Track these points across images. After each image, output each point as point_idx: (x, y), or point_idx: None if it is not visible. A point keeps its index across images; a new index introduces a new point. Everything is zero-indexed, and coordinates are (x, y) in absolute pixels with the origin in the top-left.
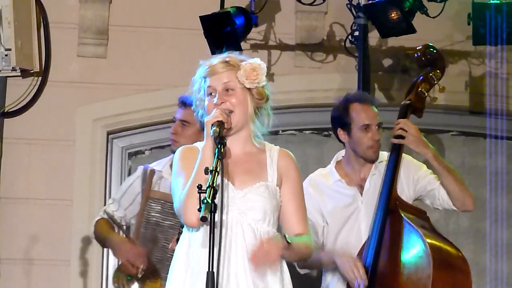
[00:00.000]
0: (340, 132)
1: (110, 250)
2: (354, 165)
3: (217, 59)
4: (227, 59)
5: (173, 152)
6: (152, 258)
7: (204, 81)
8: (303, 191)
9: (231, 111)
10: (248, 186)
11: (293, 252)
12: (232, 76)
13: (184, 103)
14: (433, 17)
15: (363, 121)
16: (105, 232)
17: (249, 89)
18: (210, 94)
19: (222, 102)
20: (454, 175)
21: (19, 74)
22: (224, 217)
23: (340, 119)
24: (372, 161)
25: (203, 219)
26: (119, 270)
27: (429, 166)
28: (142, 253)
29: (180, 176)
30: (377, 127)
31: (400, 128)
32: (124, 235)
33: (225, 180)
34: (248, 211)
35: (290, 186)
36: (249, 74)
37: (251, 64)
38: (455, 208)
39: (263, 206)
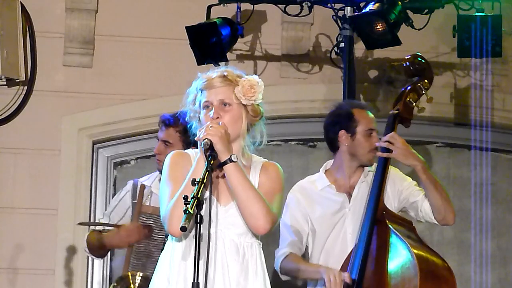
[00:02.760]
0: (343, 135)
1: (106, 258)
2: (346, 171)
3: (215, 73)
4: (225, 74)
5: (159, 170)
6: (147, 271)
7: (201, 94)
8: (278, 196)
9: (226, 127)
10: (231, 201)
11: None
12: (229, 92)
13: (166, 123)
14: (419, 29)
15: (368, 126)
16: (100, 239)
17: (245, 105)
18: (207, 107)
19: (218, 117)
20: (440, 190)
21: (5, 83)
22: (209, 231)
23: (344, 122)
24: (369, 165)
25: (183, 229)
26: (117, 282)
27: (417, 177)
28: (138, 228)
29: (167, 185)
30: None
31: (387, 141)
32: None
33: (212, 196)
34: (231, 226)
35: (264, 180)
36: (247, 91)
37: (249, 81)
38: (436, 222)
39: (243, 222)
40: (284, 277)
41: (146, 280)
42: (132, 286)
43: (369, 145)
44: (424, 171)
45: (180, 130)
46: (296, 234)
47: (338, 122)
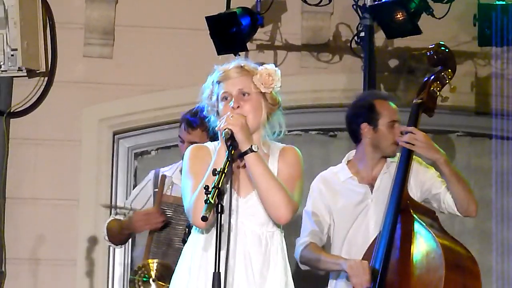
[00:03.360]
0: (365, 127)
1: (128, 246)
2: (368, 162)
3: (231, 64)
4: (242, 64)
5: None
6: (167, 260)
7: (218, 86)
8: (298, 183)
9: (246, 116)
10: (251, 192)
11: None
12: (247, 81)
13: (193, 126)
14: (439, 18)
15: (391, 117)
16: (119, 225)
17: (263, 94)
18: (225, 98)
19: (238, 106)
20: (462, 182)
21: (25, 74)
22: (230, 220)
23: (366, 114)
24: (392, 156)
25: (203, 218)
26: (135, 273)
27: (438, 170)
28: (158, 213)
29: (189, 178)
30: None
31: (409, 138)
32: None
33: (234, 191)
34: (251, 216)
35: (282, 166)
36: (265, 79)
37: (267, 69)
38: (458, 214)
39: (264, 212)
40: (303, 267)
41: (166, 268)
42: (152, 273)
43: (392, 137)
44: (446, 164)
45: (205, 128)
46: (317, 224)
47: (361, 114)
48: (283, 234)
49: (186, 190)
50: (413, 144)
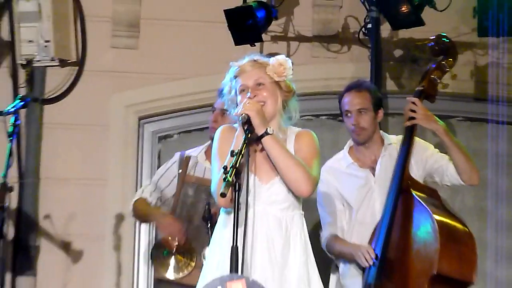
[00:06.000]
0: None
1: (151, 225)
2: (359, 149)
3: (245, 60)
4: (255, 59)
5: (211, 138)
6: (188, 235)
7: (235, 81)
8: (316, 160)
9: (263, 103)
10: (272, 179)
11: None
12: (261, 73)
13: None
14: (441, 11)
15: (343, 107)
16: (146, 209)
17: (277, 83)
18: (243, 90)
19: (255, 96)
20: (462, 150)
21: (58, 64)
22: (250, 211)
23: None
24: (358, 143)
25: (222, 195)
26: (156, 246)
27: (440, 142)
28: (182, 228)
29: (216, 160)
30: (361, 112)
31: (410, 110)
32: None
33: (252, 175)
34: (273, 203)
35: (299, 147)
36: (278, 68)
37: (278, 60)
38: (462, 182)
39: (285, 197)
40: (332, 257)
41: (186, 243)
42: (172, 248)
43: (349, 126)
44: (445, 134)
45: None
46: (331, 215)
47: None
48: (303, 214)
49: (214, 171)
50: (414, 117)
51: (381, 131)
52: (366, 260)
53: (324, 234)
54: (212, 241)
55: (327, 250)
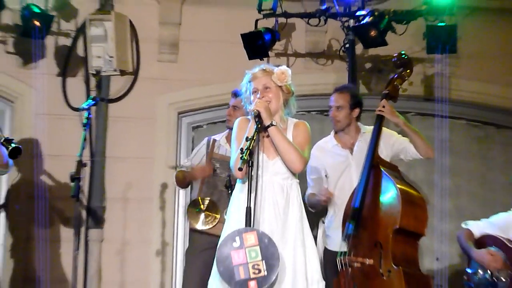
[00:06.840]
0: None
1: (188, 191)
2: (341, 134)
3: (257, 69)
4: (264, 68)
5: (228, 127)
6: (213, 198)
7: (250, 85)
8: (307, 146)
9: (269, 102)
10: (276, 157)
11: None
12: (268, 79)
13: (235, 94)
14: (400, 34)
15: (329, 103)
16: (183, 174)
17: (280, 87)
18: (255, 92)
19: (263, 96)
20: (418, 134)
21: (119, 73)
22: (260, 180)
23: None
24: (336, 131)
25: (239, 169)
26: (191, 205)
27: (401, 131)
28: (206, 165)
29: (234, 143)
30: (338, 108)
31: (380, 105)
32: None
33: (261, 153)
34: (277, 173)
35: (296, 133)
36: (280, 76)
37: (281, 69)
38: (421, 156)
39: (286, 170)
40: (310, 209)
41: (212, 203)
42: (202, 206)
43: (330, 117)
44: (405, 125)
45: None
46: (314, 181)
47: None
48: (299, 183)
49: (232, 151)
50: (382, 111)
51: (358, 123)
52: (322, 197)
53: (306, 193)
54: (231, 202)
55: (307, 203)
